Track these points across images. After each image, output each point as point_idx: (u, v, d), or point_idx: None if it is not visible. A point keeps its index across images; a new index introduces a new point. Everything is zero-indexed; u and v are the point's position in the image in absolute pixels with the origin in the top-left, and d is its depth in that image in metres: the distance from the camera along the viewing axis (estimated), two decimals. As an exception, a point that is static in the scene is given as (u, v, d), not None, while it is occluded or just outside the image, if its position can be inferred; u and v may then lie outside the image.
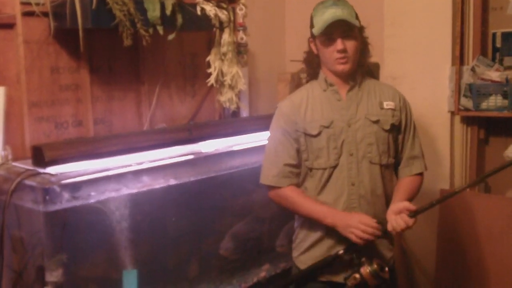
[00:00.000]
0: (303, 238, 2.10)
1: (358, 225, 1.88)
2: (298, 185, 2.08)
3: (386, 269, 1.88)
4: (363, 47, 2.05)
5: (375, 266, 1.85)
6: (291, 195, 2.03)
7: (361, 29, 2.03)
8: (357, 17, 1.99)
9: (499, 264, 2.78)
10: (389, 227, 1.90)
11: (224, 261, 2.81)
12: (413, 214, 1.88)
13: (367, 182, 2.00)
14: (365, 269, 1.86)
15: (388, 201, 2.04)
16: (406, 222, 1.86)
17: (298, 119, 2.03)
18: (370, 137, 2.00)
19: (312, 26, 2.00)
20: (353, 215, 1.92)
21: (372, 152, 2.00)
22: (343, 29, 1.94)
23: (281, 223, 2.91)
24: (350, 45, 1.96)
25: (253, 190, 2.78)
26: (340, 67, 1.99)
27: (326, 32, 1.94)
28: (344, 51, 1.95)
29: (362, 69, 2.07)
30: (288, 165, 2.04)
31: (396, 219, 1.88)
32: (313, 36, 2.02)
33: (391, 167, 2.09)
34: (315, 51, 2.06)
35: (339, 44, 1.95)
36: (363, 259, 1.89)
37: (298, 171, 2.06)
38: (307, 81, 2.17)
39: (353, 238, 1.89)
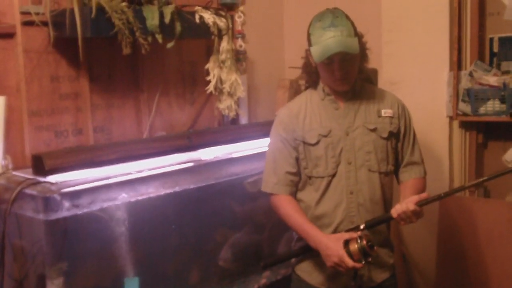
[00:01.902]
0: (302, 246, 2.10)
1: (337, 262, 1.85)
2: (295, 195, 2.08)
3: (375, 248, 1.87)
4: (362, 53, 2.02)
5: (364, 242, 1.83)
6: (286, 206, 2.03)
7: (360, 37, 2.00)
8: (355, 31, 1.95)
9: (499, 269, 2.78)
10: (392, 210, 1.90)
11: (225, 268, 2.81)
12: (420, 204, 1.88)
13: (366, 190, 1.99)
14: (353, 244, 1.85)
15: (387, 208, 2.04)
16: (408, 206, 1.86)
17: (297, 128, 2.03)
18: (368, 145, 2.00)
19: (309, 43, 1.97)
20: (335, 249, 1.87)
21: (370, 160, 2.00)
22: (342, 56, 1.90)
23: (281, 229, 2.91)
24: (350, 66, 1.94)
25: (254, 197, 2.78)
26: (339, 88, 1.99)
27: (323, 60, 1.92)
28: (343, 74, 1.94)
29: (361, 76, 2.06)
30: (288, 173, 2.04)
31: (401, 203, 1.89)
32: (310, 50, 1.98)
33: (391, 174, 2.08)
34: (313, 63, 2.02)
35: (337, 71, 1.92)
36: (358, 233, 1.87)
37: (298, 179, 2.06)
38: (306, 88, 2.17)
39: (334, 270, 1.91)
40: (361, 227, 1.91)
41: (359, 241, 1.84)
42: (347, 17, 1.96)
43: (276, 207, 2.07)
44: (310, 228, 1.96)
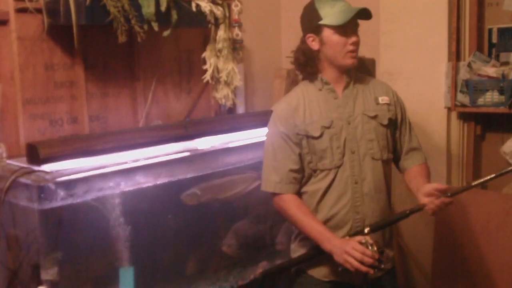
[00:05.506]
0: (303, 238, 2.06)
1: (352, 252, 1.80)
2: (299, 192, 2.03)
3: (385, 253, 1.85)
4: None
5: (375, 248, 1.81)
6: (293, 208, 1.97)
7: None
8: None
9: (495, 260, 2.79)
10: (430, 211, 1.87)
11: (221, 258, 2.80)
12: (450, 194, 1.86)
13: (370, 179, 1.97)
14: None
15: (390, 196, 2.04)
16: (447, 203, 1.86)
17: (298, 122, 1.98)
18: (370, 133, 1.99)
19: (318, 19, 1.95)
20: (349, 242, 1.84)
21: (373, 148, 1.98)
22: (355, 23, 1.96)
23: (280, 220, 2.91)
24: (358, 40, 1.98)
25: (252, 187, 2.77)
26: (351, 61, 1.98)
27: (344, 24, 1.92)
28: (356, 45, 1.97)
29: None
30: (291, 170, 1.98)
31: (435, 202, 1.86)
32: (315, 31, 1.97)
33: (390, 163, 2.09)
34: (314, 47, 2.00)
35: (354, 37, 1.96)
36: (366, 240, 1.83)
37: (301, 176, 2.01)
38: (304, 78, 2.14)
39: (348, 266, 1.82)
40: (366, 230, 1.90)
41: (369, 247, 1.81)
42: None
43: (281, 209, 2.02)
44: (325, 229, 1.92)
